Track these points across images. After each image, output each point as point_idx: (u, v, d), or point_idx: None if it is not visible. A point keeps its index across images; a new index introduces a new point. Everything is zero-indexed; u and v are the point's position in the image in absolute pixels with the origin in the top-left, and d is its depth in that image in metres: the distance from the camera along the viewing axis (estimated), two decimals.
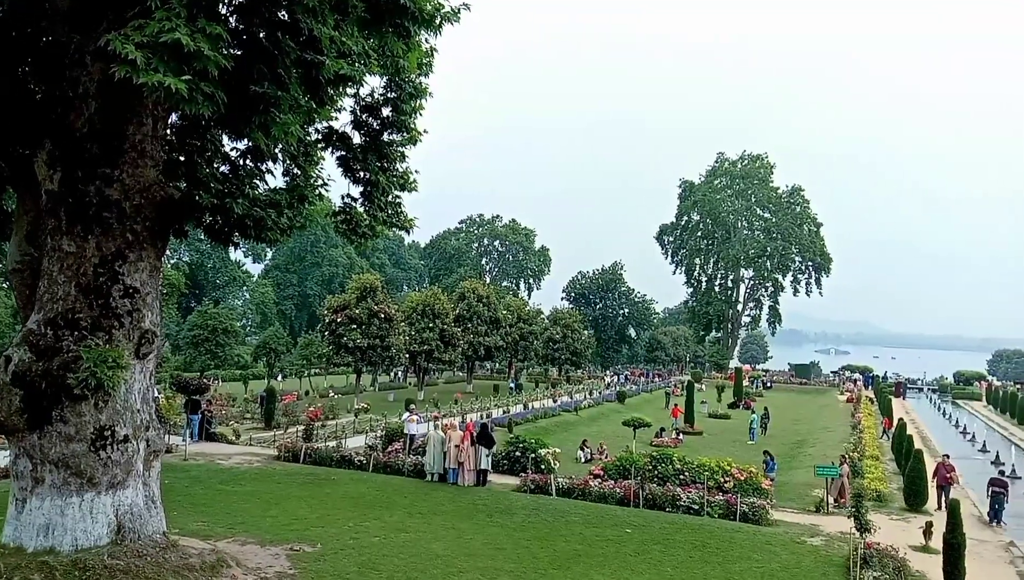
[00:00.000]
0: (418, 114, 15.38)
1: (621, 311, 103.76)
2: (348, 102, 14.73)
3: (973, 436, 47.34)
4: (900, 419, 37.76)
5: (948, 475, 24.38)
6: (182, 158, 14.11)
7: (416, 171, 15.88)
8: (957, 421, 57.00)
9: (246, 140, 13.37)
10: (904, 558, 16.73)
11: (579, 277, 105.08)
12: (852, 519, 17.18)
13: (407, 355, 54.23)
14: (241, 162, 14.44)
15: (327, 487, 21.87)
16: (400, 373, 72.24)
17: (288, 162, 14.84)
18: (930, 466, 25.47)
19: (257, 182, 14.38)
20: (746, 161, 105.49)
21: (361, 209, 15.42)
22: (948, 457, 26.22)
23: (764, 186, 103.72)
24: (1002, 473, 28.14)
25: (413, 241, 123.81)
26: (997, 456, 37.48)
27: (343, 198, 15.44)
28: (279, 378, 69.20)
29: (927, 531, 18.99)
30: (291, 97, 11.00)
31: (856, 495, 17.69)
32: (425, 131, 15.63)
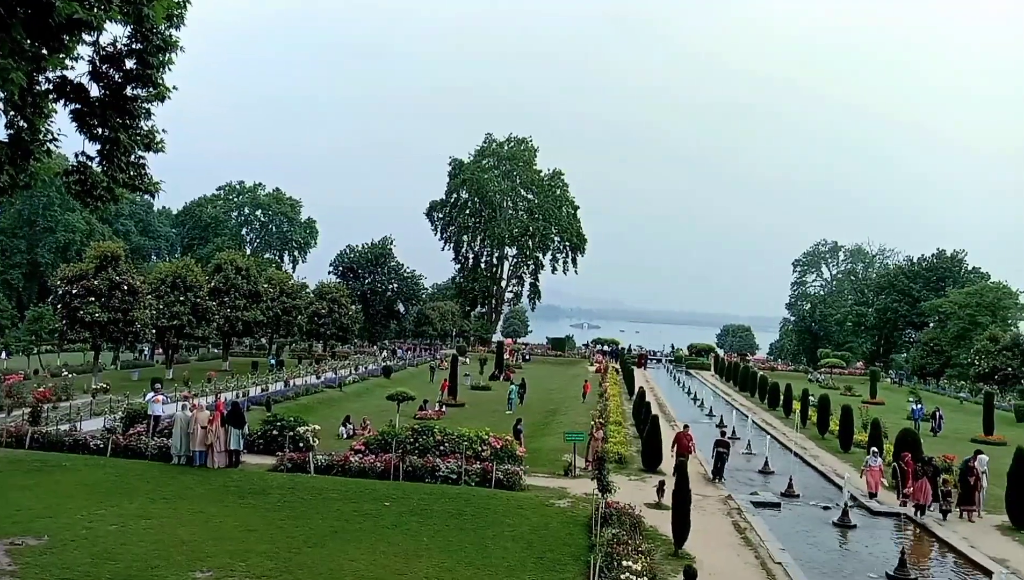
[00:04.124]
0: (167, 69, 14.26)
1: (390, 286, 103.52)
2: (86, 51, 13.35)
3: (702, 402, 52.61)
4: (640, 387, 41.19)
5: (688, 444, 26.85)
6: None
7: (164, 130, 14.76)
8: (689, 389, 62.98)
9: None
10: (640, 515, 18.33)
11: (348, 251, 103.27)
12: (595, 481, 18.59)
13: (154, 331, 50.39)
14: None
15: (57, 474, 19.98)
16: (146, 350, 67.16)
17: (12, 113, 13.17)
18: (665, 430, 27.98)
19: None
20: (512, 143, 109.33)
21: (99, 169, 14.07)
22: (688, 427, 28.61)
23: (528, 168, 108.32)
24: (723, 434, 31.56)
25: (164, 208, 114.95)
26: (721, 420, 41.83)
27: (77, 156, 14.02)
28: (3, 355, 61.60)
29: (660, 489, 21.00)
30: (12, 40, 9.77)
31: (599, 459, 19.16)
32: (175, 87, 14.54)
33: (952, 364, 79.99)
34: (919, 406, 45.33)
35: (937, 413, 42.40)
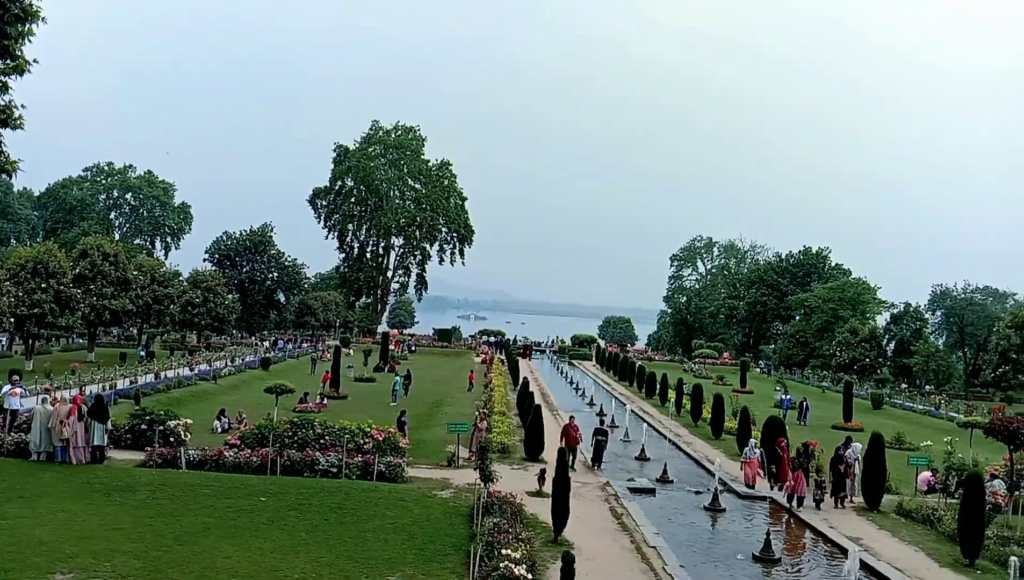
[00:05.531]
0: (27, 40, 13.35)
1: (270, 275, 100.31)
2: None
3: (584, 392, 53.76)
4: (525, 378, 41.75)
5: (575, 435, 27.26)
6: None
7: (23, 105, 13.85)
8: (572, 378, 64.21)
9: None
10: (521, 503, 18.56)
11: (225, 237, 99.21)
12: (478, 471, 18.71)
13: (12, 320, 47.08)
14: None
15: None
16: (3, 340, 62.70)
17: None
18: (548, 420, 28.37)
19: None
20: (399, 132, 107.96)
21: None
22: (574, 418, 28.87)
23: (416, 158, 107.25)
24: (602, 422, 32.36)
25: (25, 189, 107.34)
26: (601, 409, 42.86)
27: None
28: None
29: (541, 477, 21.34)
30: None
31: (481, 448, 19.29)
32: (35, 60, 13.64)
33: (816, 355, 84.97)
34: (788, 396, 47.82)
35: (804, 403, 44.63)
